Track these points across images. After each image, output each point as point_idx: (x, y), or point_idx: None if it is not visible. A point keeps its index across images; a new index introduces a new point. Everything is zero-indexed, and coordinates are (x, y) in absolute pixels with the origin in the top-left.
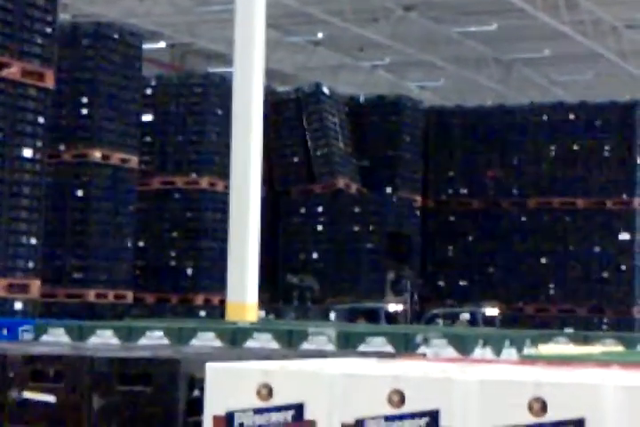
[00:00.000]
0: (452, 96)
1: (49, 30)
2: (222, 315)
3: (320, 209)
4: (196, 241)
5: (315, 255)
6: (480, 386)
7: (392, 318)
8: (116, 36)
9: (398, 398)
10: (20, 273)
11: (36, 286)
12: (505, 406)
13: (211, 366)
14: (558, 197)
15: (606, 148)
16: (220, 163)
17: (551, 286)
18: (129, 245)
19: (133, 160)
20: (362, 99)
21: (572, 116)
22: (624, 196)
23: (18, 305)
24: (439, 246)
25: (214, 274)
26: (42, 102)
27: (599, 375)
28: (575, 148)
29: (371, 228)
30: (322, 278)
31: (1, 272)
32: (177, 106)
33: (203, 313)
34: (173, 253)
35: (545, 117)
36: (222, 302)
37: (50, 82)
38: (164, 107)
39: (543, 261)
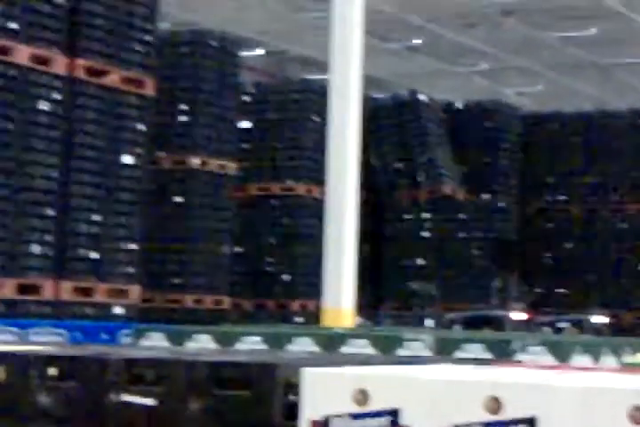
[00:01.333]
0: (550, 102)
1: (149, 38)
2: (318, 321)
3: (426, 215)
4: (292, 247)
5: (419, 261)
6: (581, 393)
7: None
8: (214, 44)
9: (496, 404)
10: (120, 278)
11: (135, 291)
12: (605, 414)
13: (307, 371)
14: None
15: None
16: (316, 169)
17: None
18: (226, 251)
19: (231, 166)
20: (459, 105)
21: None
22: None
23: (117, 310)
24: (537, 253)
25: (311, 280)
26: (141, 109)
27: None
28: None
29: (477, 234)
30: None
31: (102, 277)
32: (274, 113)
33: (299, 319)
34: (270, 260)
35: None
36: (318, 308)
37: (150, 89)
38: (262, 114)
39: None
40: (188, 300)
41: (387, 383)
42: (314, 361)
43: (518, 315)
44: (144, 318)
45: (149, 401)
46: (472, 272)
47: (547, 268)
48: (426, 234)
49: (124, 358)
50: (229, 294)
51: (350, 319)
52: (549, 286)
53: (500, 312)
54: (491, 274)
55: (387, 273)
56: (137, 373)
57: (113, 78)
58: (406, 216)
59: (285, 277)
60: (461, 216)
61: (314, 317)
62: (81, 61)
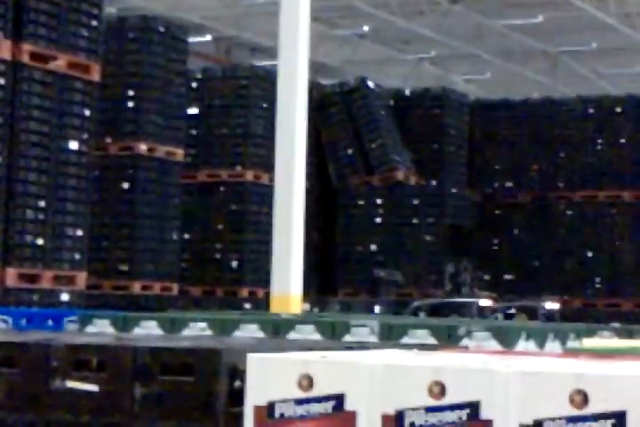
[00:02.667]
0: (499, 89)
1: (95, 23)
2: (267, 307)
3: (379, 201)
4: (241, 234)
5: (373, 247)
6: (521, 378)
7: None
8: (162, 30)
9: (439, 389)
10: (67, 265)
11: (82, 277)
12: (546, 399)
13: (252, 357)
14: (605, 191)
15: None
16: (265, 156)
17: (597, 279)
18: (174, 237)
19: (179, 153)
20: (407, 92)
21: (618, 109)
22: None
23: (64, 297)
24: (485, 240)
25: (260, 267)
26: (88, 95)
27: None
28: (622, 141)
29: (430, 220)
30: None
31: (47, 264)
32: (222, 99)
33: (247, 306)
34: (219, 246)
35: (591, 110)
36: (267, 294)
37: (96, 75)
38: (210, 100)
39: (589, 254)
40: (136, 286)
41: (331, 369)
42: (259, 347)
43: (485, 302)
44: (91, 304)
45: (93, 387)
46: (426, 258)
47: (494, 254)
48: (379, 220)
49: (66, 344)
50: (177, 281)
51: (298, 306)
52: (497, 272)
53: (467, 299)
54: (444, 260)
55: (341, 260)
56: (80, 359)
57: (58, 63)
58: (360, 202)
59: (234, 263)
60: (415, 202)
61: (263, 303)
62: (26, 46)
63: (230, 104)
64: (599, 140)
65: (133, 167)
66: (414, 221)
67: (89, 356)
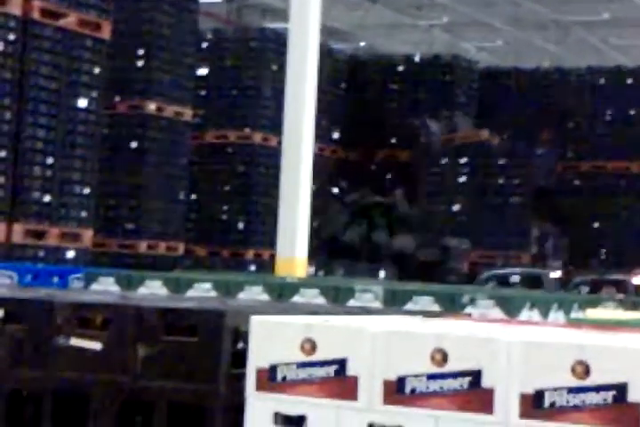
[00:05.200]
0: (509, 57)
1: None
2: (272, 270)
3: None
4: (248, 196)
5: (456, 208)
6: (523, 347)
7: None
8: None
9: (441, 356)
10: (73, 222)
11: (88, 235)
12: (548, 369)
13: (255, 319)
14: (613, 161)
15: None
16: (274, 118)
17: (603, 251)
18: (181, 197)
19: (187, 113)
20: (417, 58)
21: (629, 81)
22: None
23: (69, 254)
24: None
25: (266, 229)
26: (97, 53)
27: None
28: (631, 112)
29: (516, 181)
30: (464, 232)
31: (54, 221)
32: (232, 60)
33: (253, 267)
34: (225, 207)
35: (602, 81)
36: (272, 256)
37: (106, 33)
38: (220, 61)
39: (596, 225)
40: (142, 245)
41: (334, 334)
42: (263, 309)
43: (555, 274)
44: (96, 262)
45: (96, 345)
46: (509, 221)
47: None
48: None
49: (71, 302)
50: (183, 241)
51: (303, 269)
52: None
53: (538, 271)
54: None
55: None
56: (84, 317)
57: (69, 21)
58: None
59: (240, 225)
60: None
61: (268, 266)
62: (36, 2)
63: (240, 65)
64: (608, 112)
65: (142, 126)
66: (500, 181)
67: (93, 314)
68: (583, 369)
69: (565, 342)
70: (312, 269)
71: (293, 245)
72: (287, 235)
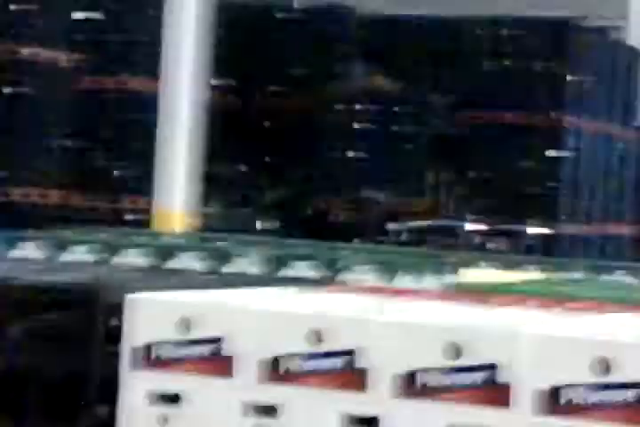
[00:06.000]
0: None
1: None
2: (150, 219)
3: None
4: (126, 143)
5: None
6: (398, 328)
7: None
8: None
9: (316, 337)
10: None
11: None
12: (421, 349)
13: (129, 298)
14: (487, 112)
15: (538, 65)
16: (152, 63)
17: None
18: (56, 145)
19: (64, 58)
20: (295, 4)
21: (505, 32)
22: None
23: None
24: None
25: (145, 177)
26: None
27: (516, 318)
28: (506, 63)
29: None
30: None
31: None
32: (111, 3)
33: (130, 217)
34: (102, 155)
35: (479, 31)
36: (150, 204)
37: None
38: (98, 5)
39: (471, 175)
40: (15, 193)
41: (211, 312)
42: (139, 283)
43: (473, 225)
44: None
45: None
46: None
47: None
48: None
49: None
50: (58, 188)
51: (182, 223)
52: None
53: (453, 223)
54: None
55: None
56: None
57: None
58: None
59: (117, 173)
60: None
61: (146, 213)
62: None
63: (118, 9)
64: (487, 63)
65: (16, 72)
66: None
67: None
68: (454, 351)
69: (438, 323)
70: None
71: (172, 198)
72: (165, 186)
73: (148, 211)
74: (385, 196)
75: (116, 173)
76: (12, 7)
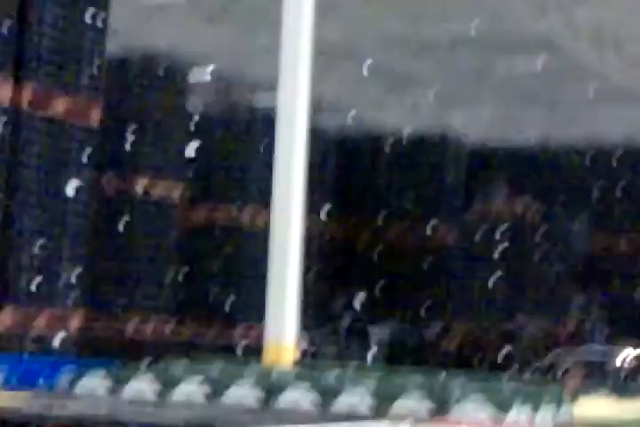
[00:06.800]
0: (497, 130)
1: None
2: (260, 350)
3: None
4: (236, 276)
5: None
6: None
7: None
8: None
9: None
10: (61, 306)
11: (77, 317)
12: None
13: None
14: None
15: None
16: (263, 196)
17: None
18: (171, 275)
19: (177, 191)
20: (404, 137)
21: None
22: None
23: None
24: None
25: (255, 309)
26: (86, 141)
27: None
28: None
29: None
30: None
31: (44, 304)
32: (221, 141)
33: (241, 347)
34: (214, 286)
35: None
36: (261, 335)
37: (94, 120)
38: (209, 140)
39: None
40: (131, 322)
41: None
42: (250, 420)
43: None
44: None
45: None
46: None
47: None
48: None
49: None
50: (173, 319)
51: (292, 355)
52: None
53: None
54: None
55: None
56: None
57: (58, 110)
58: None
59: (229, 302)
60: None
61: (255, 346)
62: (26, 92)
63: (229, 146)
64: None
65: (130, 206)
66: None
67: None
68: None
69: None
70: (303, 345)
71: (282, 331)
72: (276, 320)
73: (259, 343)
74: (531, 323)
75: (228, 303)
76: (128, 145)
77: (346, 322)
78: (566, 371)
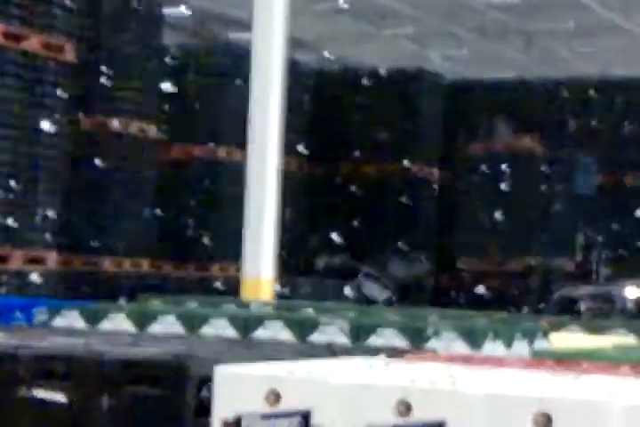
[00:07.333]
0: (474, 67)
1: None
2: (238, 286)
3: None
4: (213, 212)
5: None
6: (486, 400)
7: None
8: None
9: (405, 408)
10: (37, 245)
11: (52, 257)
12: (510, 420)
13: (219, 370)
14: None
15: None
16: (239, 133)
17: None
18: (147, 214)
19: (152, 129)
20: (382, 71)
21: (591, 92)
22: None
23: (33, 277)
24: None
25: (232, 244)
26: (61, 75)
27: (608, 387)
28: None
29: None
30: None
31: (18, 244)
32: (196, 75)
33: (218, 284)
34: (191, 223)
35: (565, 93)
36: (238, 271)
37: (70, 55)
38: (184, 76)
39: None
40: (107, 263)
41: (298, 385)
42: (228, 355)
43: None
44: (62, 281)
45: (60, 397)
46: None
47: None
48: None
49: (34, 355)
50: (149, 257)
51: (269, 290)
52: None
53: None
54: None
55: None
56: (47, 368)
57: (32, 43)
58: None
59: (206, 240)
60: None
61: (234, 281)
62: None
63: (204, 80)
64: (571, 124)
65: (106, 144)
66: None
67: (56, 366)
68: (545, 421)
69: (527, 394)
70: (277, 287)
71: (259, 266)
72: (253, 255)
73: (237, 279)
74: (538, 260)
75: (204, 241)
76: (102, 80)
77: (324, 259)
78: (571, 308)
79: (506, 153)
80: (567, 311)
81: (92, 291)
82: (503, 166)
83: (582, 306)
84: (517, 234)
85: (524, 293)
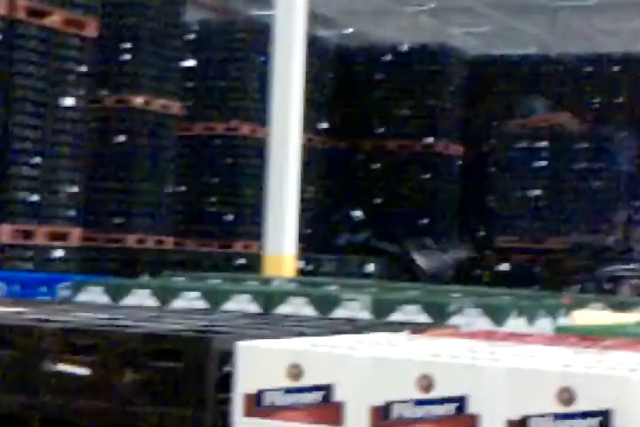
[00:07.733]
0: (497, 42)
1: None
2: (260, 263)
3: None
4: (236, 188)
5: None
6: (508, 374)
7: None
8: None
9: (427, 382)
10: (61, 221)
11: (76, 234)
12: (533, 395)
13: (241, 345)
14: None
15: None
16: (261, 110)
17: None
18: (169, 191)
19: (175, 106)
20: (404, 47)
21: (616, 68)
22: None
23: (57, 253)
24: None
25: (255, 221)
26: (84, 51)
27: (630, 362)
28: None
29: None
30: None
31: (42, 220)
32: (218, 52)
33: (242, 260)
34: (214, 200)
35: (589, 69)
36: (261, 247)
37: (92, 31)
38: (206, 53)
39: None
40: (130, 240)
41: (320, 360)
42: (249, 331)
43: None
44: (85, 258)
45: (83, 371)
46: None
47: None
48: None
49: (59, 328)
50: (172, 234)
51: (292, 266)
52: None
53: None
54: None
55: None
56: (71, 342)
57: (54, 19)
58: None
59: (228, 217)
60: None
61: (257, 259)
62: (22, 2)
63: (226, 57)
64: (596, 100)
65: (129, 120)
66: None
67: (80, 341)
68: (568, 396)
69: (550, 368)
70: (301, 263)
71: (281, 242)
72: (275, 231)
73: (260, 255)
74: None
75: (226, 218)
76: (125, 57)
77: (346, 237)
78: (614, 285)
79: (532, 130)
80: (609, 289)
81: (115, 267)
82: (538, 143)
83: (624, 283)
84: (556, 212)
85: (564, 271)
